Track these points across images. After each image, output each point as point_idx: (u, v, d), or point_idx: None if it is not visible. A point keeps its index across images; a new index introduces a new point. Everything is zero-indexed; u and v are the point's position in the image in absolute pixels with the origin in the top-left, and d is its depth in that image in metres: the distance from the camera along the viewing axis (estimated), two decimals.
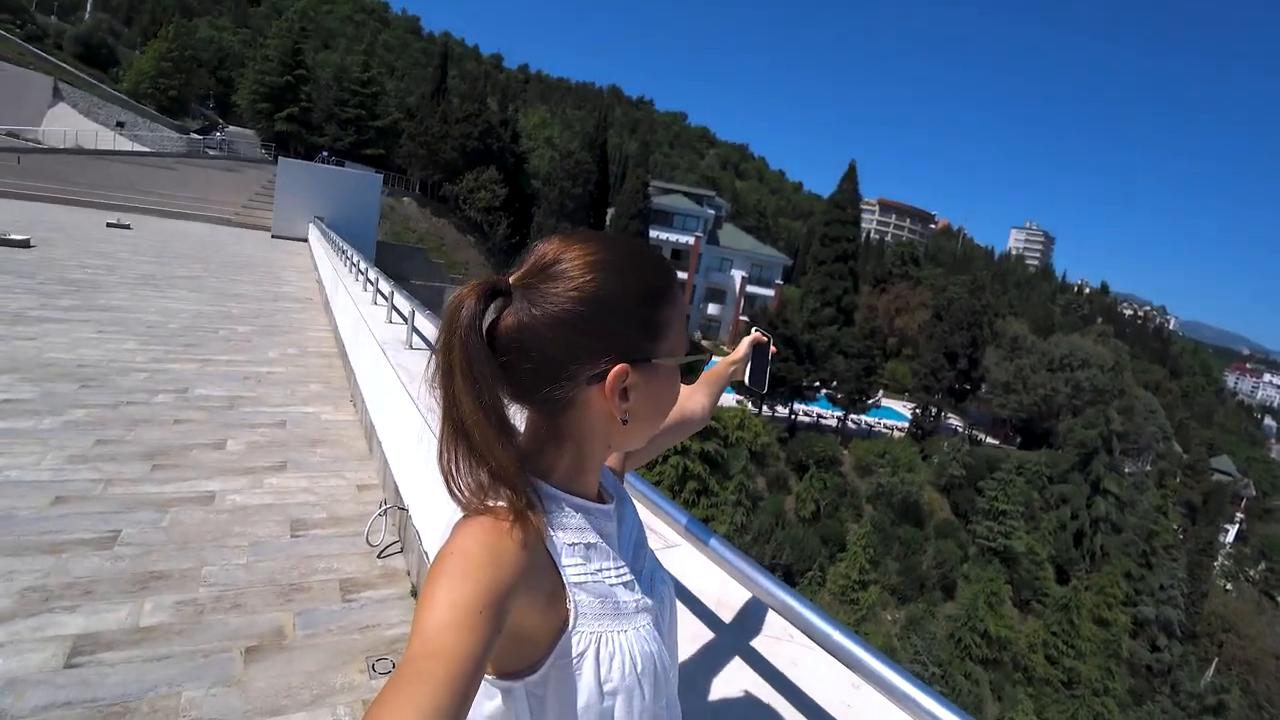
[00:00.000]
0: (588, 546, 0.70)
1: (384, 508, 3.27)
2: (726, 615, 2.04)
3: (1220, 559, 45.14)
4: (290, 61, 48.33)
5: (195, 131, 45.66)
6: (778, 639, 1.85)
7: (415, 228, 42.31)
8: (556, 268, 0.65)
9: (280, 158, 24.28)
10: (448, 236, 43.96)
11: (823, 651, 1.29)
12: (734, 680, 1.64)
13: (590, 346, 0.65)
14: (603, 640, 0.66)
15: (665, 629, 0.77)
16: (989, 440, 44.96)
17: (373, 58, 56.17)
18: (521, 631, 0.62)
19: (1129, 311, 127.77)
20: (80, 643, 2.19)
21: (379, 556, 3.08)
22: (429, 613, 0.53)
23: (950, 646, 27.51)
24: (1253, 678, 32.24)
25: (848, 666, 1.19)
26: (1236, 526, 55.12)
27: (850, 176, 46.50)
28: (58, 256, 10.03)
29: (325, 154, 43.97)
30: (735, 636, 1.88)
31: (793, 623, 1.30)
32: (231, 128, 49.99)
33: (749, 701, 1.60)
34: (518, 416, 0.70)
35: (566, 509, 0.70)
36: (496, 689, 0.65)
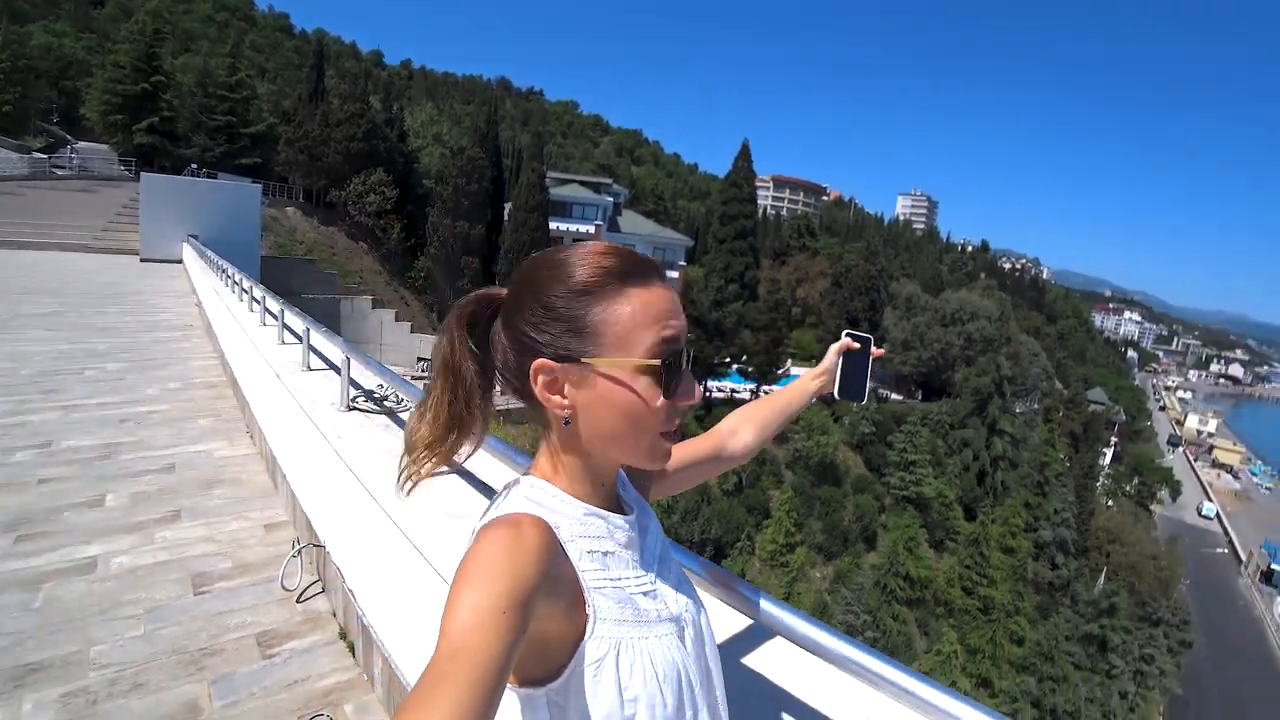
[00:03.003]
0: (605, 554, 0.71)
1: (298, 547, 3.01)
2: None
3: (1101, 480, 49.91)
4: (145, 67, 44.06)
5: (39, 150, 40.96)
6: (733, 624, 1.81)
7: (303, 238, 39.83)
8: (523, 270, 0.72)
9: (143, 173, 22.22)
10: (339, 245, 41.68)
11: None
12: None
13: (525, 342, 0.69)
14: (623, 646, 0.66)
15: (692, 642, 0.75)
16: (894, 396, 47.63)
17: (240, 59, 51.93)
18: (543, 637, 0.63)
19: (1008, 265, 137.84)
20: None
21: (298, 601, 2.84)
22: (453, 616, 0.54)
23: (877, 594, 29.12)
24: (1136, 579, 36.00)
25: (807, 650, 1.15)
26: (1112, 449, 61.00)
27: (744, 155, 47.57)
28: None
29: (194, 166, 40.56)
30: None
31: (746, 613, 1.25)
32: (82, 144, 45.20)
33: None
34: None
35: (585, 517, 0.72)
36: (517, 696, 0.66)
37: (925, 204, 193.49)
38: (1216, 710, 33.06)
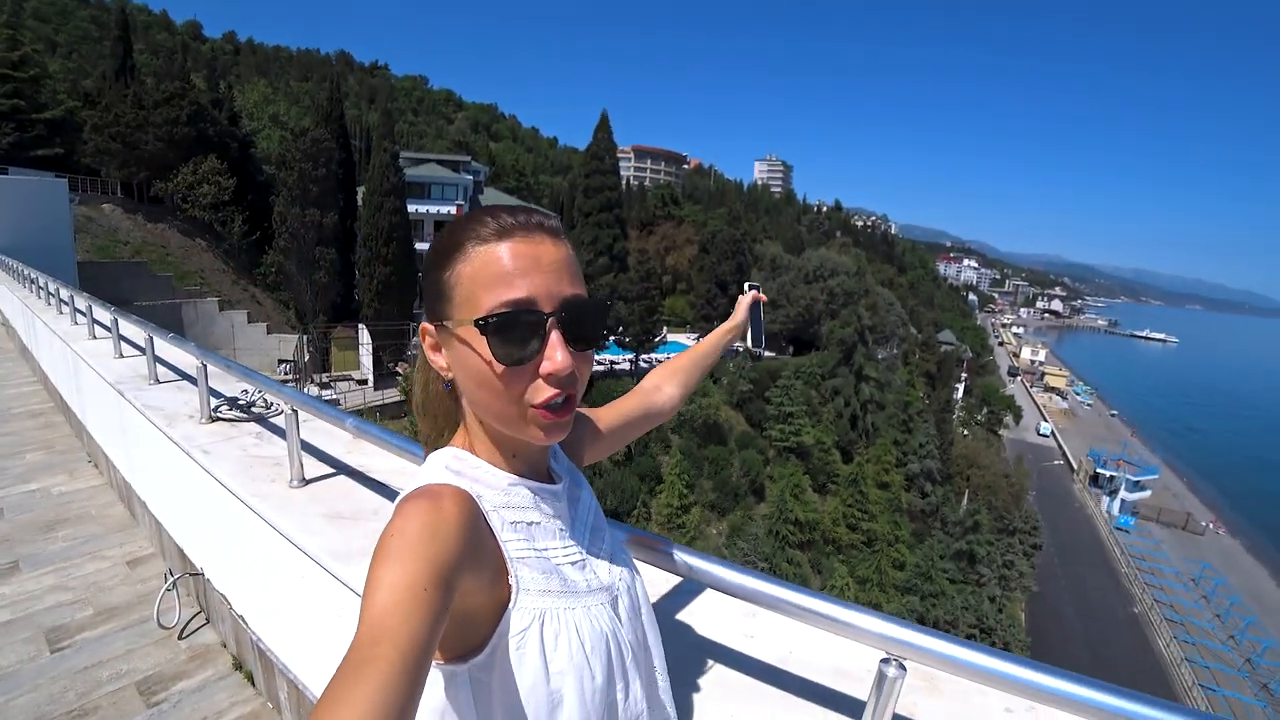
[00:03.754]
0: (530, 524, 0.70)
1: (172, 579, 2.73)
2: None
3: (956, 412, 55.32)
4: None
5: None
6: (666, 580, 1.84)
7: (127, 239, 35.28)
8: None
9: None
10: (172, 243, 37.29)
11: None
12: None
13: (424, 305, 0.72)
14: (548, 617, 0.64)
15: (627, 611, 0.74)
16: (767, 354, 50.18)
17: (20, 31, 44.76)
18: (466, 611, 0.61)
19: (860, 223, 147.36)
20: None
21: (180, 638, 2.59)
22: (372, 597, 0.52)
23: (770, 541, 30.89)
24: (993, 496, 40.57)
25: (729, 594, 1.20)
26: (963, 384, 67.70)
27: (604, 126, 47.35)
28: None
29: None
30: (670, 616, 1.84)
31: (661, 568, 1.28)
32: None
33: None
34: None
35: (508, 487, 0.70)
36: (440, 673, 0.64)
37: (781, 168, 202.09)
38: (1065, 598, 38.18)
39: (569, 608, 0.66)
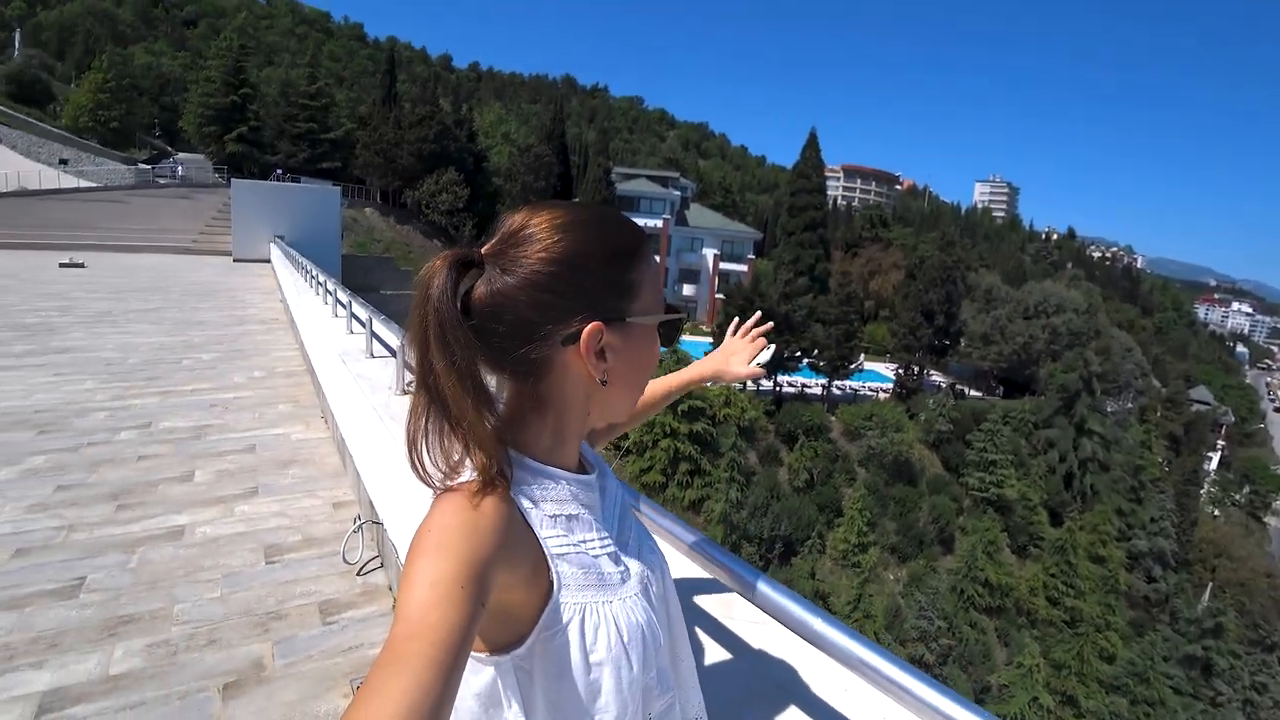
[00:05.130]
0: (569, 518, 0.69)
1: (359, 523, 3.18)
2: (709, 605, 1.99)
3: (1206, 486, 46.31)
4: (234, 81, 47.23)
5: (144, 162, 44.45)
6: (759, 624, 1.81)
7: (380, 237, 41.70)
8: (525, 233, 0.67)
9: (234, 180, 23.71)
10: (414, 243, 43.39)
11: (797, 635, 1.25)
12: (721, 668, 1.59)
13: (562, 306, 0.65)
14: (587, 611, 0.65)
15: (656, 600, 0.75)
16: (973, 393, 45.60)
17: (319, 69, 55.01)
18: (505, 607, 0.62)
19: (1097, 254, 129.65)
20: (48, 699, 2.09)
21: (358, 574, 3.00)
22: (409, 593, 0.53)
23: (953, 599, 27.97)
24: (1246, 598, 33.09)
25: (810, 642, 1.14)
26: (1219, 453, 56.56)
27: (812, 145, 46.61)
28: (8, 302, 9.70)
29: (279, 171, 43.06)
30: (719, 627, 1.84)
31: (758, 604, 1.25)
32: (181, 154, 48.82)
33: (722, 680, 1.55)
34: (500, 392, 0.72)
35: (546, 481, 0.70)
36: (483, 665, 0.65)
37: (1005, 191, 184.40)
38: None
39: (606, 600, 0.67)
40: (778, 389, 37.92)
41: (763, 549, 28.27)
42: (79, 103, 46.39)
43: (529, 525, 0.65)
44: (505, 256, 0.66)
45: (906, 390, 40.85)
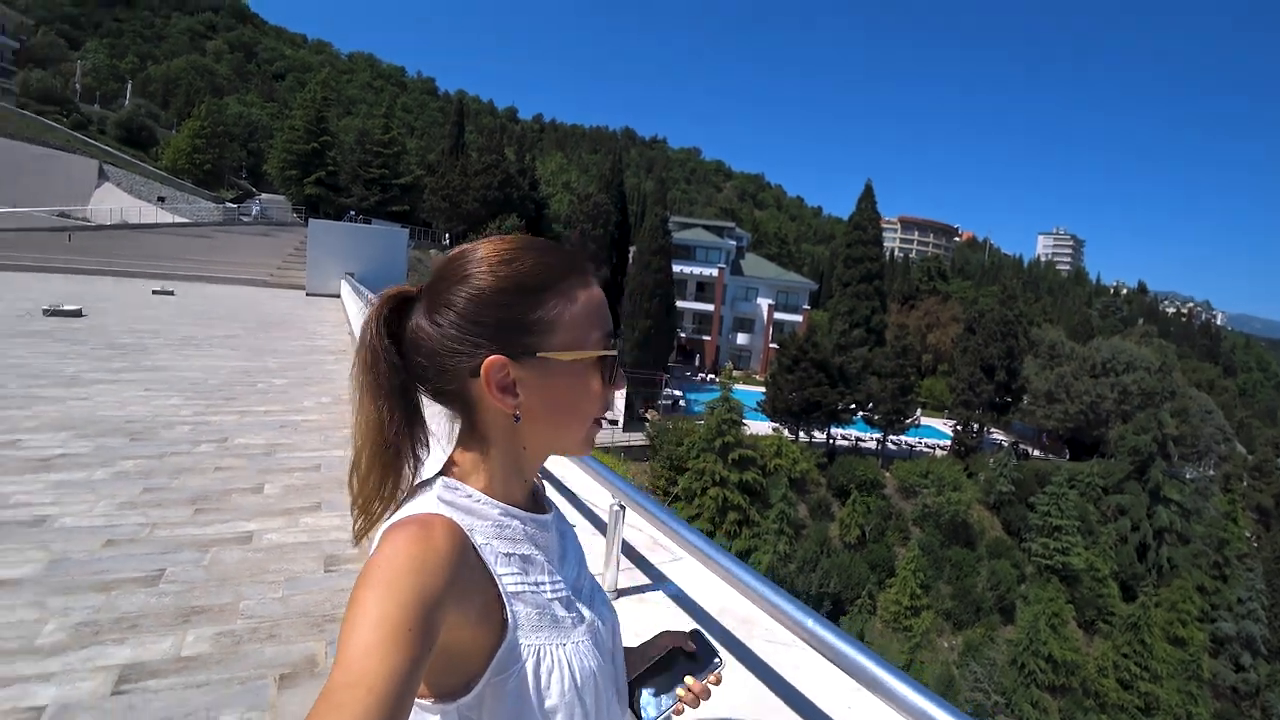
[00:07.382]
0: (524, 558, 0.68)
1: None
2: (729, 623, 2.06)
3: None
4: (315, 129, 50.73)
5: (230, 201, 47.97)
6: (782, 644, 1.87)
7: None
8: (449, 268, 0.69)
9: (310, 219, 25.28)
10: None
11: (823, 657, 1.32)
12: (738, 684, 1.66)
13: (466, 339, 0.66)
14: (541, 654, 0.63)
15: (607, 647, 0.74)
16: (1036, 453, 43.57)
17: (392, 119, 58.70)
18: (453, 646, 0.58)
19: (1171, 309, 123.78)
20: (127, 672, 2.29)
21: None
22: (351, 634, 0.50)
23: (1013, 673, 26.26)
24: None
25: (845, 671, 1.21)
26: None
27: (868, 196, 46.52)
28: (108, 324, 10.55)
29: (353, 213, 45.70)
30: (738, 643, 1.90)
31: (791, 629, 1.33)
32: (264, 195, 52.34)
33: (753, 703, 1.61)
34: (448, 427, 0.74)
35: (501, 518, 0.68)
36: (428, 714, 0.61)
37: (1070, 243, 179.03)
38: None
39: (560, 644, 0.65)
40: (831, 441, 37.13)
41: (810, 606, 27.33)
42: (178, 146, 50.71)
43: (483, 561, 0.63)
44: (432, 291, 0.69)
45: (965, 448, 39.35)
